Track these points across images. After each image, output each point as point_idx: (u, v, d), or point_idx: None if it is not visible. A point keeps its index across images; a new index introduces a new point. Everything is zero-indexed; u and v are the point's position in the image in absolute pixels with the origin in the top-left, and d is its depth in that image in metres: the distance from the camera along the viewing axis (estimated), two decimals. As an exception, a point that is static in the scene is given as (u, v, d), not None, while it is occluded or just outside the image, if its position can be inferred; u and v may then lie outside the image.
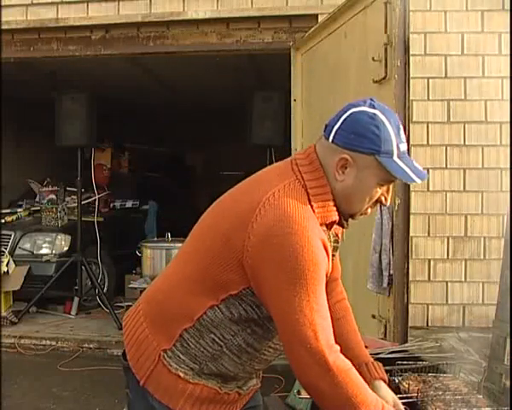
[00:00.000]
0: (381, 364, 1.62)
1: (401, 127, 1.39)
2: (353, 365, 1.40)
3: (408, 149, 1.41)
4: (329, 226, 1.41)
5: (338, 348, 1.34)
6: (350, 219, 1.47)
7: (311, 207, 1.34)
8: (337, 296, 1.69)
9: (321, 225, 1.35)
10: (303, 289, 1.28)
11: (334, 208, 1.38)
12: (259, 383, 1.62)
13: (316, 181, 1.37)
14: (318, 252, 1.29)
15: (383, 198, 1.41)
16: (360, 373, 1.43)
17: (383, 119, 1.37)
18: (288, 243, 1.27)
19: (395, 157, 1.34)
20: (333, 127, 1.37)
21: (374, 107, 1.40)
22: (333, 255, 1.49)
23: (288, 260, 1.27)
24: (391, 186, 1.41)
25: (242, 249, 1.31)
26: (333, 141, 1.36)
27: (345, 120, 1.36)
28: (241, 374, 1.48)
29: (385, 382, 1.58)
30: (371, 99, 1.42)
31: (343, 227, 1.47)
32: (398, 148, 1.34)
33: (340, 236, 1.52)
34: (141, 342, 1.46)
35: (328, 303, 1.42)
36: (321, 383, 1.31)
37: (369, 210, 1.43)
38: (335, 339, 1.39)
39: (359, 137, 1.33)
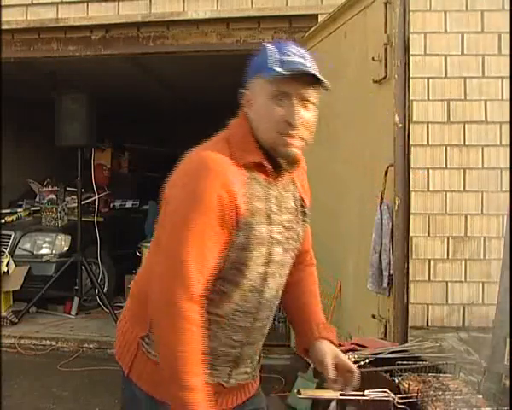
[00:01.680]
0: (333, 328, 1.58)
1: (291, 46, 1.43)
2: (304, 325, 1.49)
3: (311, 72, 1.41)
4: (257, 169, 1.38)
5: (199, 308, 1.31)
6: (297, 165, 1.45)
7: (232, 152, 1.36)
8: (304, 262, 1.65)
9: (242, 167, 1.35)
10: (180, 228, 1.30)
11: (257, 150, 1.38)
12: (253, 379, 1.56)
13: (239, 129, 1.41)
14: (211, 196, 1.29)
15: (289, 118, 1.35)
16: (307, 333, 1.49)
17: (268, 45, 1.41)
18: (186, 179, 1.34)
19: (274, 67, 1.35)
20: None
21: (265, 43, 1.45)
22: (303, 221, 1.51)
23: (182, 198, 1.32)
24: (297, 104, 1.36)
25: None
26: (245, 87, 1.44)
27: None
28: (220, 349, 1.43)
29: (333, 344, 1.54)
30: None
31: (279, 170, 1.41)
32: (279, 59, 1.36)
33: (306, 201, 1.52)
34: (123, 335, 1.50)
35: (293, 268, 1.51)
36: (162, 322, 1.31)
37: (290, 138, 1.36)
38: (292, 301, 1.53)
39: (250, 69, 1.42)
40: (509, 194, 3.58)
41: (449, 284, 4.15)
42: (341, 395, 1.61)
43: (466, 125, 4.14)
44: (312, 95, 1.41)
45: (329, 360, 1.47)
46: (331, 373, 1.45)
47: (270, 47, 1.40)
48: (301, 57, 1.39)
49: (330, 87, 1.43)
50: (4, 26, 4.69)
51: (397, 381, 1.72)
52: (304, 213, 1.52)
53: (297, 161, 1.43)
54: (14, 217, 6.12)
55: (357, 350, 1.93)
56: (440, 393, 1.66)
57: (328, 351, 1.49)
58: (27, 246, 5.72)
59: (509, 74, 3.90)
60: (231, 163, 1.34)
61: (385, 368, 1.80)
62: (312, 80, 1.39)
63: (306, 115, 1.38)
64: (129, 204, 7.31)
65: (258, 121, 1.39)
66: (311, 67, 1.39)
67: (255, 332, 1.47)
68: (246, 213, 1.34)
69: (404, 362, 1.85)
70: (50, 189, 6.47)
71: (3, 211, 6.18)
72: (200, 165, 1.33)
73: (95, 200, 6.18)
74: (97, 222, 5.91)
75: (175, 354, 1.29)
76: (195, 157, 1.37)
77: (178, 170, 1.39)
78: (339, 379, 1.49)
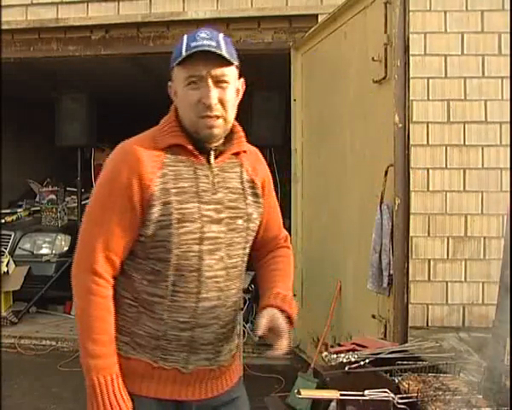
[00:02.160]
0: (294, 302, 1.58)
1: (201, 31, 1.42)
2: (263, 296, 1.52)
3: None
4: (183, 152, 1.44)
5: (102, 280, 1.40)
6: (208, 144, 1.47)
7: (155, 139, 1.45)
8: (277, 246, 1.67)
9: (163, 150, 1.43)
10: (94, 207, 1.44)
11: (175, 134, 1.45)
12: (219, 367, 1.51)
13: (165, 120, 1.50)
14: (121, 179, 1.39)
15: (204, 99, 1.40)
16: (263, 301, 1.52)
17: (184, 36, 1.44)
18: (105, 165, 1.46)
19: (183, 53, 1.40)
20: None
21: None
22: (256, 202, 1.53)
23: (98, 183, 1.46)
24: (210, 85, 1.40)
25: None
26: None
27: None
28: (170, 332, 1.44)
29: (286, 313, 1.52)
30: None
31: (206, 153, 1.46)
32: (187, 45, 1.40)
33: (258, 183, 1.55)
34: None
35: (265, 252, 1.63)
36: (73, 293, 1.43)
37: (209, 119, 1.41)
38: (260, 277, 1.60)
39: (170, 62, 1.46)
40: (509, 194, 3.58)
41: (449, 284, 4.15)
42: (341, 395, 1.62)
43: (466, 125, 4.14)
44: (224, 73, 1.42)
45: (264, 320, 1.45)
46: (259, 331, 1.44)
47: (184, 36, 1.44)
48: (209, 39, 1.41)
49: (237, 63, 1.46)
50: (4, 26, 4.69)
51: (397, 381, 1.72)
52: (256, 195, 1.54)
53: (218, 140, 1.47)
54: (14, 217, 6.12)
55: (357, 350, 1.93)
56: (440, 393, 1.66)
57: (266, 314, 1.47)
58: (27, 246, 5.72)
59: (509, 74, 3.90)
60: (150, 148, 1.42)
61: (385, 368, 1.80)
62: (221, 59, 1.40)
63: (222, 94, 1.42)
64: (129, 204, 7.29)
65: (180, 109, 1.46)
66: (213, 45, 1.39)
67: (204, 314, 1.45)
68: (160, 193, 1.39)
69: (404, 362, 1.85)
70: (50, 189, 6.47)
71: (3, 211, 6.17)
72: (117, 152, 1.45)
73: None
74: (97, 222, 5.90)
75: (80, 322, 1.42)
76: (118, 147, 1.47)
77: (106, 160, 1.49)
78: (269, 340, 1.48)
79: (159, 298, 1.44)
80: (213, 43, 1.40)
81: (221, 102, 1.42)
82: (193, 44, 1.39)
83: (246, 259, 1.55)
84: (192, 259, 1.42)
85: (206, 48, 1.38)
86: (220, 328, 1.50)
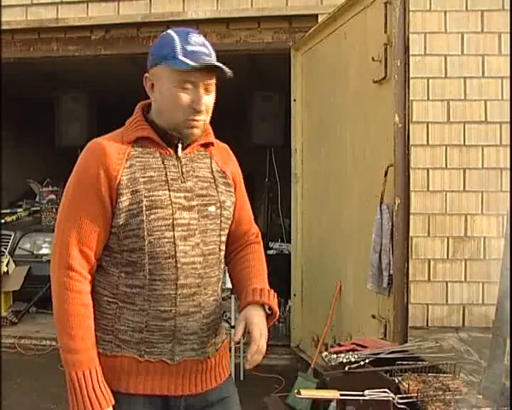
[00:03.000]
0: (272, 293, 1.57)
1: (193, 35, 1.47)
2: (241, 294, 1.55)
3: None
4: (150, 144, 1.49)
5: (77, 275, 1.42)
6: (190, 141, 1.53)
7: (122, 135, 1.50)
8: (248, 241, 1.70)
9: (131, 143, 1.47)
10: (65, 204, 1.46)
11: (143, 127, 1.49)
12: (204, 358, 1.52)
13: (131, 117, 1.54)
14: (89, 173, 1.43)
15: (194, 104, 1.45)
16: (242, 300, 1.54)
17: (170, 32, 1.48)
18: (75, 167, 1.50)
19: (179, 56, 1.42)
20: None
21: (168, 29, 1.51)
22: (228, 191, 1.58)
23: (69, 180, 1.49)
24: (201, 91, 1.45)
25: None
26: (147, 71, 1.51)
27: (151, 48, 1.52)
28: (152, 323, 1.45)
29: (268, 305, 1.54)
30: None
31: (177, 146, 1.50)
32: (183, 48, 1.43)
33: (227, 173, 1.60)
34: None
35: (237, 246, 1.66)
36: (52, 294, 1.44)
37: (196, 122, 1.47)
38: (234, 274, 1.63)
39: (152, 55, 1.49)
40: (508, 194, 3.58)
41: (449, 284, 4.16)
42: (341, 395, 1.62)
43: (466, 125, 4.14)
44: (213, 82, 1.49)
45: (239, 325, 1.49)
46: (236, 337, 1.48)
47: (173, 35, 1.46)
48: (203, 46, 1.46)
49: (231, 74, 1.49)
50: (4, 26, 4.69)
51: (397, 381, 1.72)
52: (227, 184, 1.59)
53: (197, 138, 1.53)
54: (14, 217, 6.13)
55: (357, 350, 1.93)
56: (440, 393, 1.66)
57: (242, 317, 1.51)
58: (27, 246, 5.72)
59: (509, 74, 3.90)
60: (116, 142, 1.47)
61: (385, 368, 1.80)
62: (215, 69, 1.46)
63: (208, 100, 1.48)
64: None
65: (162, 105, 1.48)
66: (214, 57, 1.48)
67: (184, 301, 1.47)
68: (129, 182, 1.43)
69: (404, 362, 1.84)
70: (50, 189, 6.47)
71: (3, 211, 6.18)
72: (85, 149, 1.49)
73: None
74: (97, 222, 5.90)
75: (57, 318, 1.43)
76: (87, 145, 1.50)
77: None
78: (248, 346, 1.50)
79: (138, 289, 1.45)
80: (212, 55, 1.46)
81: (206, 107, 1.48)
82: (189, 49, 1.42)
83: (223, 247, 1.58)
84: (166, 245, 1.44)
85: (216, 63, 1.43)
86: (203, 318, 1.51)
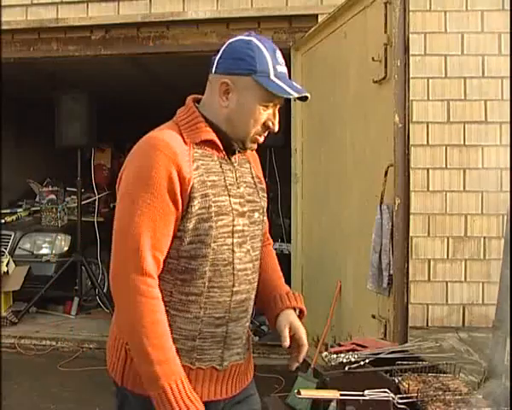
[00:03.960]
0: (299, 295, 1.62)
1: (278, 51, 1.46)
2: (269, 300, 1.56)
3: (289, 75, 1.49)
4: (209, 147, 1.46)
5: (152, 281, 1.35)
6: (250, 151, 1.56)
7: (181, 133, 1.43)
8: (263, 243, 1.69)
9: (192, 145, 1.42)
10: (132, 204, 1.36)
11: (208, 130, 1.45)
12: (244, 360, 1.56)
13: (186, 114, 1.47)
14: (159, 173, 1.34)
15: (270, 123, 1.46)
16: (272, 307, 1.56)
17: (258, 43, 1.43)
18: (135, 161, 1.40)
19: (272, 76, 1.41)
20: (215, 61, 1.47)
21: (249, 36, 1.46)
22: (263, 196, 1.59)
23: (131, 178, 1.39)
24: (277, 111, 1.47)
25: None
26: (215, 72, 1.46)
27: (224, 50, 1.46)
28: (205, 330, 1.44)
29: (301, 310, 1.61)
30: (249, 32, 1.49)
31: (233, 152, 1.50)
32: (274, 68, 1.42)
33: (262, 179, 1.62)
34: (112, 348, 1.52)
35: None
36: (118, 298, 1.37)
37: (261, 137, 1.49)
38: (263, 279, 1.58)
39: (236, 61, 1.42)
40: (509, 194, 3.58)
41: (449, 284, 4.15)
42: (341, 395, 1.61)
43: (466, 125, 4.14)
44: None
45: (286, 331, 1.52)
46: (285, 344, 1.51)
47: (262, 49, 1.43)
48: (284, 64, 1.47)
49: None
50: (4, 26, 4.69)
51: (397, 381, 1.72)
52: (263, 190, 1.60)
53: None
54: (14, 217, 6.12)
55: (357, 350, 1.93)
56: (440, 393, 1.66)
57: (286, 322, 1.54)
58: (27, 246, 5.71)
59: (509, 74, 3.90)
60: (180, 141, 1.41)
61: (385, 368, 1.80)
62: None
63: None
64: (129, 204, 7.29)
65: (236, 116, 1.45)
66: (300, 87, 1.47)
67: (236, 307, 1.48)
68: (199, 185, 1.39)
69: (404, 362, 1.84)
70: (50, 189, 6.46)
71: (3, 211, 6.17)
72: (149, 145, 1.40)
73: (95, 200, 6.18)
74: (97, 222, 5.90)
75: (134, 327, 1.34)
76: (145, 140, 1.43)
77: (130, 154, 1.44)
78: (292, 350, 1.57)
79: (194, 296, 1.43)
80: (295, 83, 1.46)
81: None
82: (279, 70, 1.42)
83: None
84: (225, 252, 1.44)
85: (307, 95, 1.44)
86: (247, 321, 1.54)
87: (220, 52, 1.46)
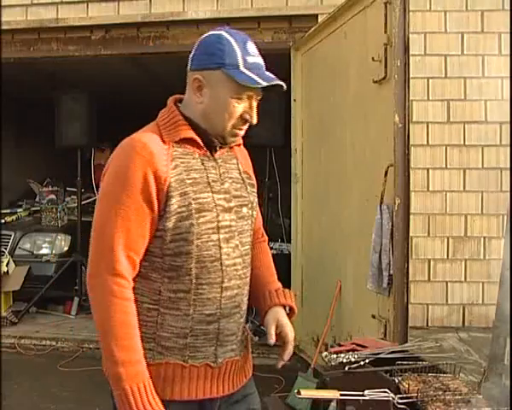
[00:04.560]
0: (290, 293, 1.64)
1: (249, 43, 1.46)
2: (259, 297, 1.57)
3: (266, 68, 1.48)
4: (190, 145, 1.46)
5: (125, 281, 1.37)
6: (237, 146, 1.59)
7: (160, 133, 1.45)
8: (257, 240, 1.72)
9: (172, 143, 1.44)
10: (109, 206, 1.39)
11: (186, 128, 1.46)
12: (241, 357, 1.55)
13: (166, 114, 1.50)
14: (136, 173, 1.36)
15: (247, 115, 1.46)
16: (261, 303, 1.57)
17: (228, 37, 1.44)
18: (114, 162, 1.42)
19: (241, 67, 1.41)
20: (189, 58, 1.50)
21: (220, 30, 1.48)
22: (253, 192, 1.59)
23: (109, 179, 1.41)
24: (254, 102, 1.46)
25: None
26: (190, 69, 1.48)
27: (197, 47, 1.49)
28: (196, 327, 1.44)
29: (291, 308, 1.63)
30: (221, 27, 1.51)
31: (215, 149, 1.51)
32: (244, 59, 1.42)
33: (251, 174, 1.62)
34: None
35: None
36: (91, 297, 1.39)
37: (240, 131, 1.49)
38: (255, 275, 1.59)
39: (207, 56, 1.44)
40: (508, 194, 3.58)
41: (449, 284, 4.15)
42: (341, 395, 1.62)
43: (466, 125, 4.14)
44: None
45: (272, 328, 1.52)
46: (270, 342, 1.51)
47: (232, 41, 1.43)
48: (259, 57, 1.47)
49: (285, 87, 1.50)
50: (4, 26, 4.69)
51: (397, 381, 1.72)
52: (252, 185, 1.61)
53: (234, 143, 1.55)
54: (14, 217, 6.11)
55: (357, 350, 1.93)
56: (440, 393, 1.66)
57: (272, 320, 1.54)
58: (27, 246, 5.71)
59: (509, 74, 3.90)
60: (158, 141, 1.42)
61: (385, 368, 1.80)
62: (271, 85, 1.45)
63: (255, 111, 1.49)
64: (129, 204, 7.29)
65: (211, 111, 1.46)
66: (269, 72, 1.46)
67: (228, 303, 1.47)
68: (177, 184, 1.40)
69: (404, 362, 1.84)
70: (50, 189, 6.46)
71: (3, 211, 6.17)
72: (127, 146, 1.42)
73: (95, 200, 6.17)
74: (97, 222, 5.89)
75: (103, 327, 1.36)
76: (125, 141, 1.44)
77: (112, 154, 1.47)
78: (279, 348, 1.56)
79: (183, 293, 1.43)
80: (269, 72, 1.45)
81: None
82: (250, 61, 1.42)
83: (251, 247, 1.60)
84: (212, 248, 1.44)
85: (279, 83, 1.44)
86: (241, 317, 1.53)
87: (194, 49, 1.49)
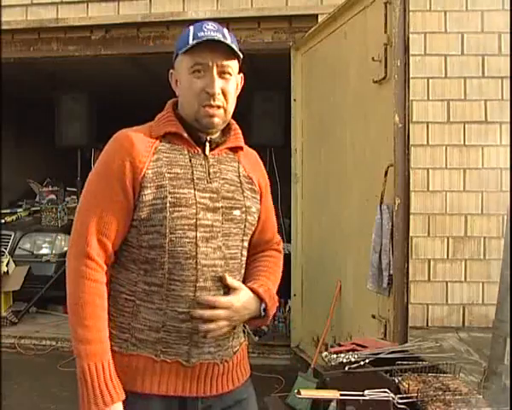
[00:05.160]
0: (273, 294, 1.55)
1: (208, 23, 1.46)
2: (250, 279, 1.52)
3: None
4: (178, 141, 1.47)
5: (94, 264, 1.39)
6: (209, 133, 1.51)
7: (150, 129, 1.48)
8: (268, 248, 1.68)
9: (159, 138, 1.46)
10: (87, 192, 1.45)
11: (173, 123, 1.48)
12: (221, 362, 1.49)
13: (161, 113, 1.53)
14: (114, 164, 1.41)
15: (208, 88, 1.43)
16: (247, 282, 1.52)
17: (190, 27, 1.47)
18: (100, 157, 1.48)
19: (190, 41, 1.43)
20: None
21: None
22: (253, 197, 1.56)
23: (93, 169, 1.47)
24: (214, 74, 1.43)
25: None
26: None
27: None
28: (169, 323, 1.43)
29: (266, 311, 1.52)
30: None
31: (202, 144, 1.48)
32: (194, 34, 1.44)
33: (254, 180, 1.58)
34: None
35: (255, 251, 1.61)
36: (67, 282, 1.41)
37: (211, 109, 1.44)
38: (249, 269, 1.57)
39: (174, 52, 1.50)
40: (508, 194, 3.58)
41: (449, 284, 4.16)
42: (341, 395, 1.62)
43: (466, 125, 4.14)
44: (229, 65, 1.46)
45: (228, 279, 1.46)
46: (207, 298, 1.43)
47: (190, 27, 1.47)
48: (216, 31, 1.45)
49: (241, 56, 1.49)
50: (4, 26, 4.69)
51: (397, 381, 1.72)
52: (253, 191, 1.57)
53: (217, 130, 1.51)
54: (14, 217, 6.12)
55: (357, 350, 1.93)
56: (440, 393, 1.66)
57: (237, 285, 1.47)
58: (27, 246, 5.72)
59: (509, 74, 3.90)
60: (145, 135, 1.46)
61: (385, 368, 1.80)
62: (226, 51, 1.44)
63: (225, 85, 1.45)
64: (129, 204, 7.30)
65: (182, 97, 1.49)
66: (222, 37, 1.43)
67: (203, 304, 1.43)
68: (154, 176, 1.41)
69: (404, 362, 1.84)
70: (50, 189, 6.47)
71: (3, 211, 6.17)
72: (113, 140, 1.47)
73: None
74: (97, 222, 5.90)
75: (71, 307, 1.39)
76: (114, 135, 1.49)
77: None
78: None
79: (156, 287, 1.43)
80: (220, 35, 1.43)
81: (223, 92, 1.45)
82: (200, 34, 1.42)
83: (245, 253, 1.55)
84: (187, 245, 1.42)
85: (215, 38, 1.41)
86: (234, 327, 1.49)
87: None
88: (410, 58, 2.93)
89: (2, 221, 5.91)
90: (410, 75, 2.89)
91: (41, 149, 7.72)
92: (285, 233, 5.51)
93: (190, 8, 4.51)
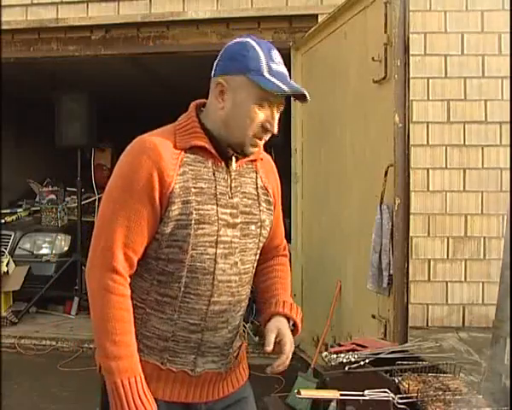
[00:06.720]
0: (298, 309, 1.60)
1: (274, 51, 1.44)
2: (266, 303, 1.55)
3: (290, 76, 1.47)
4: (203, 153, 1.43)
5: (121, 278, 1.37)
6: (259, 159, 1.53)
7: (175, 138, 1.42)
8: (276, 254, 1.69)
9: (184, 150, 1.41)
10: (112, 203, 1.39)
11: (200, 136, 1.43)
12: (225, 371, 1.53)
13: (184, 119, 1.47)
14: (141, 174, 1.36)
15: (268, 124, 1.42)
16: (266, 310, 1.54)
17: (253, 43, 1.42)
18: (122, 159, 1.41)
19: (265, 73, 1.38)
20: (214, 64, 1.47)
21: (247, 37, 1.46)
22: (268, 209, 1.54)
23: (115, 176, 1.41)
24: (275, 112, 1.43)
25: None
26: (214, 75, 1.45)
27: (221, 53, 1.46)
28: (179, 333, 1.44)
29: (295, 325, 1.59)
30: (248, 35, 1.48)
31: (226, 158, 1.46)
32: (268, 66, 1.39)
33: (270, 191, 1.56)
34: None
35: (264, 258, 1.61)
36: (88, 291, 1.40)
37: (261, 141, 1.44)
38: (259, 284, 1.61)
39: (231, 61, 1.42)
40: (509, 194, 3.58)
41: (449, 284, 4.16)
42: (341, 395, 1.62)
43: (466, 125, 4.15)
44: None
45: (271, 335, 1.48)
46: (266, 349, 1.48)
47: (256, 47, 1.41)
48: (284, 66, 1.44)
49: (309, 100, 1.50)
50: (4, 26, 4.69)
51: (397, 381, 1.72)
52: (268, 202, 1.55)
53: (251, 155, 1.49)
54: (14, 217, 6.12)
55: (357, 350, 1.93)
56: (440, 393, 1.66)
57: (273, 327, 1.50)
58: (27, 246, 5.71)
59: (509, 74, 3.90)
60: (170, 145, 1.40)
61: (385, 368, 1.80)
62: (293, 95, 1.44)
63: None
64: (129, 204, 7.30)
65: (232, 117, 1.42)
66: (288, 75, 1.44)
67: (214, 317, 1.45)
68: (181, 191, 1.38)
69: (404, 362, 1.84)
70: (50, 189, 6.46)
71: (3, 211, 6.17)
72: (137, 146, 1.40)
73: (95, 200, 6.18)
74: (97, 222, 5.89)
75: (97, 321, 1.38)
76: (136, 140, 1.43)
77: (123, 153, 1.45)
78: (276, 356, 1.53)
79: (170, 299, 1.43)
80: (287, 72, 1.44)
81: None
82: (274, 68, 1.40)
83: (256, 265, 1.56)
84: (206, 262, 1.41)
85: (303, 92, 1.44)
86: (228, 332, 1.50)
87: (218, 56, 1.46)
88: (410, 58, 2.93)
89: (2, 221, 5.90)
90: (410, 75, 2.89)
91: (41, 149, 7.72)
92: (285, 233, 5.51)
93: (190, 8, 4.51)
